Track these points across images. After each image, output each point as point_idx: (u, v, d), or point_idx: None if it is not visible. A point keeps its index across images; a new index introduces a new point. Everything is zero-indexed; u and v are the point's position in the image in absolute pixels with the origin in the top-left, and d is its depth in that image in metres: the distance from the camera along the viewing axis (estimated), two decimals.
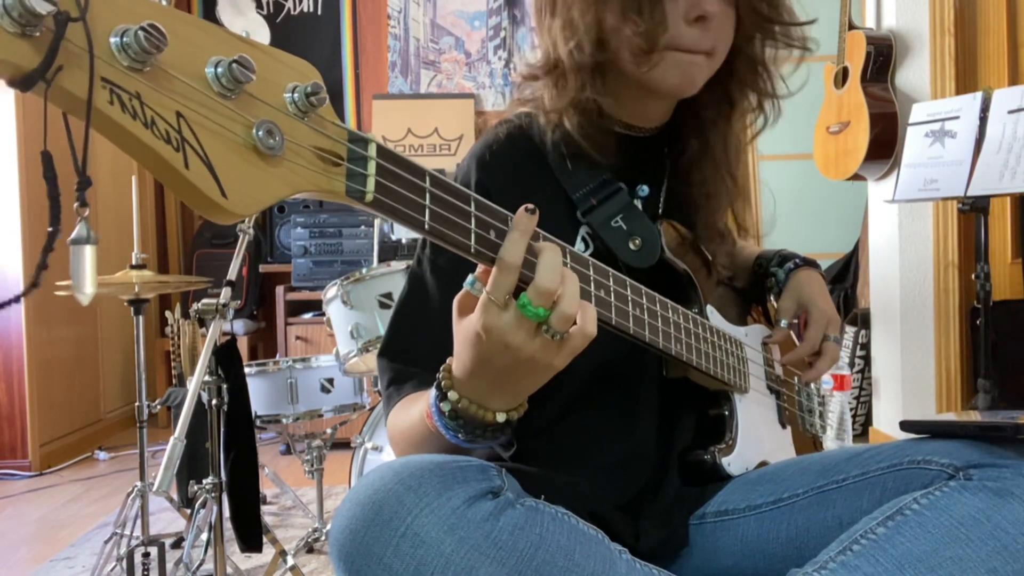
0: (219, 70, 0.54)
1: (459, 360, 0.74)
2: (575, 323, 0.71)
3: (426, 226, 0.65)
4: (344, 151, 0.61)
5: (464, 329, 0.73)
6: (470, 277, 0.74)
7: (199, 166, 0.52)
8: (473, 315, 0.71)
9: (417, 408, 0.84)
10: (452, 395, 0.75)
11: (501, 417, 0.76)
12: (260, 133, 0.55)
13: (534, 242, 0.72)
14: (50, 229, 0.47)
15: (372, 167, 0.62)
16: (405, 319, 0.99)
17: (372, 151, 0.62)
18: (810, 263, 1.16)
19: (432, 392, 0.78)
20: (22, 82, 0.45)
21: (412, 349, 0.96)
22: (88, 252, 0.49)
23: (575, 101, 0.93)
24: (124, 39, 0.49)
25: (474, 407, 0.75)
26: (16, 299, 0.50)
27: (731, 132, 1.02)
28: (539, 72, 0.97)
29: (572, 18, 0.91)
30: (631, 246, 0.96)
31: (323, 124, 0.60)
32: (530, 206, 0.70)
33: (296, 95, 0.58)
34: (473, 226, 0.69)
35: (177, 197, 0.54)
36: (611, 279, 0.81)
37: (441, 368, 0.77)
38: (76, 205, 0.49)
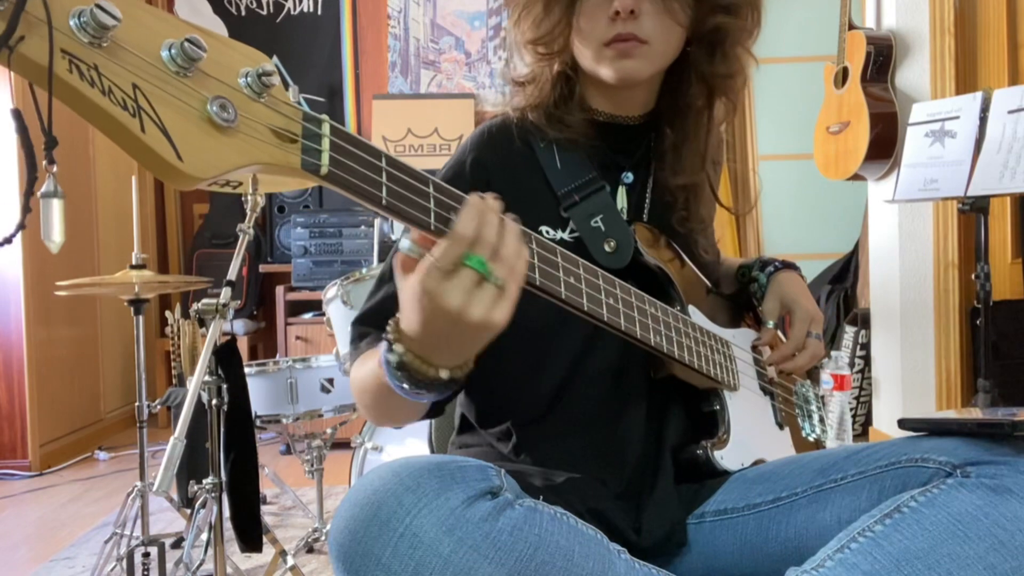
0: (173, 51, 0.57)
1: (405, 317, 0.75)
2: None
3: (384, 202, 0.68)
4: (299, 128, 0.64)
5: (408, 289, 0.73)
6: (406, 241, 0.74)
7: (155, 131, 0.55)
8: (414, 276, 0.72)
9: (373, 360, 0.87)
10: (397, 347, 0.75)
11: (444, 374, 0.76)
12: (214, 108, 0.58)
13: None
14: (28, 177, 0.53)
15: (326, 143, 0.65)
16: (376, 289, 1.04)
17: (325, 129, 0.65)
18: (790, 265, 1.18)
19: (382, 344, 0.79)
20: None
21: (377, 314, 1.01)
22: (56, 204, 0.55)
23: (548, 99, 1.01)
24: (82, 19, 0.53)
25: (418, 362, 0.75)
26: (7, 240, 0.55)
27: (711, 118, 1.05)
28: (520, 79, 1.04)
29: (514, 31, 1.02)
30: (606, 248, 0.99)
31: (278, 104, 0.64)
32: (488, 195, 0.73)
33: (249, 78, 0.62)
34: (432, 205, 0.71)
35: (136, 161, 0.57)
36: (581, 267, 0.83)
37: (390, 321, 0.77)
38: (44, 163, 0.54)
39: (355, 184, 0.66)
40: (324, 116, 0.66)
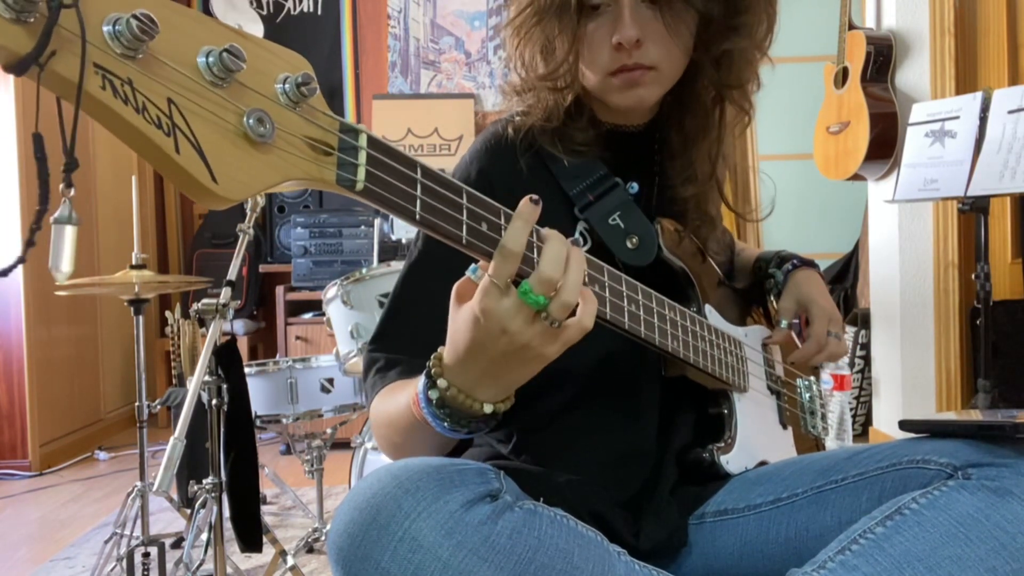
0: (210, 59, 0.54)
1: (452, 346, 0.75)
2: (574, 314, 0.73)
3: (417, 216, 0.66)
4: (335, 141, 0.62)
5: (462, 314, 0.74)
6: (473, 265, 0.75)
7: (190, 151, 0.53)
8: (472, 299, 0.72)
9: (404, 395, 0.84)
10: (441, 383, 0.75)
11: (488, 408, 0.76)
12: (251, 121, 0.56)
13: (539, 228, 0.73)
14: (38, 208, 0.48)
15: (363, 157, 0.63)
16: (396, 311, 1.00)
17: (363, 141, 0.63)
18: (808, 263, 1.16)
19: (421, 380, 0.79)
20: (16, 66, 0.46)
21: (400, 338, 0.97)
22: (69, 232, 0.51)
23: (555, 105, 0.97)
24: (116, 27, 0.50)
25: (462, 396, 0.75)
26: (4, 273, 0.51)
27: (722, 116, 1.02)
28: (518, 87, 1.00)
29: (519, 48, 0.97)
30: (628, 244, 0.97)
31: (314, 114, 0.61)
32: (534, 196, 0.72)
33: (287, 86, 0.59)
34: (465, 218, 0.69)
35: (169, 182, 0.55)
36: (606, 274, 0.82)
37: (432, 356, 0.77)
38: (62, 186, 0.50)
39: (390, 199, 0.64)
40: (362, 126, 0.63)
